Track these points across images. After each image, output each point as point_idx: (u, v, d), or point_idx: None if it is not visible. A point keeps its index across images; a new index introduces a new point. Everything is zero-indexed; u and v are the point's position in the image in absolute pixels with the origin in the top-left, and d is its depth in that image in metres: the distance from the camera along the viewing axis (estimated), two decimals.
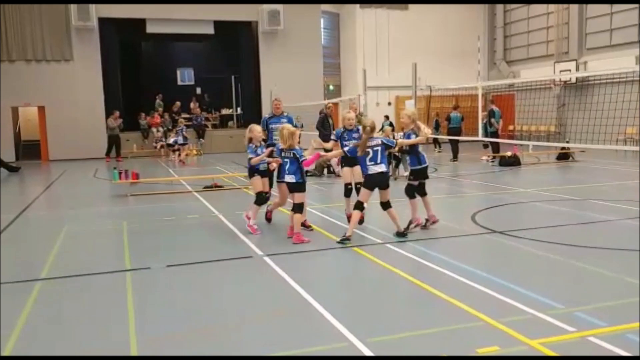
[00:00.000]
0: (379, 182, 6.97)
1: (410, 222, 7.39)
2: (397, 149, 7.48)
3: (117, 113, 21.73)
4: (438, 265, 5.88)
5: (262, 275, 5.86)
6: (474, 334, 4.12)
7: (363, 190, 7.05)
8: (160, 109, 24.71)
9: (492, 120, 17.30)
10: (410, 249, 6.61)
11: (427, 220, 7.59)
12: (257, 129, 7.78)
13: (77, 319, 4.77)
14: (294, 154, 7.05)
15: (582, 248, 6.54)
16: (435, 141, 22.64)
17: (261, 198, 7.70)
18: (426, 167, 7.56)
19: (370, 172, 6.95)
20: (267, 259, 6.37)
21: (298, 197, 7.08)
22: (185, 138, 19.72)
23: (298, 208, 7.05)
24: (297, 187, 7.10)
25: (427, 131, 7.41)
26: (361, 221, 7.52)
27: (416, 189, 7.54)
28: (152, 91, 26.09)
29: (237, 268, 6.19)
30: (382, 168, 6.94)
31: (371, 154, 6.92)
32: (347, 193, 7.88)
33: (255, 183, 7.76)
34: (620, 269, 5.67)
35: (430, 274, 5.61)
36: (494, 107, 17.58)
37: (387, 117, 22.21)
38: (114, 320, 4.65)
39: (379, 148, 6.93)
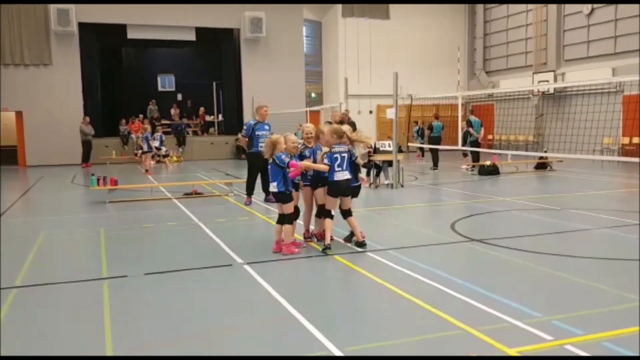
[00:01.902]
0: (344, 188, 6.93)
1: (352, 235, 7.26)
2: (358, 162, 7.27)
3: (87, 118, 21.56)
4: (417, 273, 5.89)
5: (241, 284, 5.81)
6: (452, 342, 4.13)
7: (328, 198, 6.98)
8: (142, 116, 24.54)
9: (471, 129, 17.52)
10: (390, 257, 6.61)
11: (351, 235, 7.34)
12: (291, 139, 7.18)
13: (51, 327, 4.68)
14: (274, 159, 6.82)
15: (560, 257, 6.61)
16: (422, 150, 22.82)
17: (297, 213, 7.21)
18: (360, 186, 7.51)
19: (335, 179, 6.88)
20: (247, 267, 6.33)
21: (285, 208, 6.87)
22: (149, 146, 18.63)
23: (286, 219, 6.86)
24: (279, 196, 6.88)
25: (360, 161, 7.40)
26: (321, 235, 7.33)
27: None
28: (132, 97, 25.99)
29: (217, 276, 6.14)
30: (346, 175, 6.90)
31: (339, 160, 6.87)
32: (320, 213, 7.37)
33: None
34: (597, 277, 5.74)
35: (409, 282, 5.61)
36: (472, 117, 17.82)
37: (416, 123, 22.30)
38: (89, 330, 4.57)
39: (346, 155, 6.90)
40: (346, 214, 7.09)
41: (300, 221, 7.55)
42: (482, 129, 18.07)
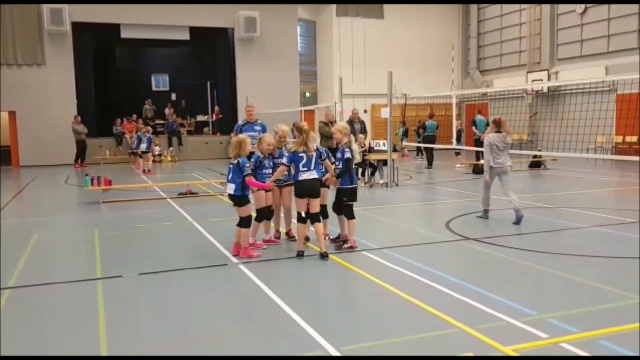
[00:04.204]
0: (309, 188, 6.60)
1: (346, 242, 7.04)
2: (327, 162, 6.84)
3: (79, 117, 21.50)
4: (412, 272, 5.90)
5: (237, 283, 5.80)
6: (448, 341, 4.14)
7: (295, 199, 6.76)
8: (135, 116, 24.44)
9: (474, 128, 17.68)
10: (385, 256, 6.62)
11: (343, 241, 7.15)
12: (266, 141, 7.16)
13: (45, 328, 4.66)
14: (238, 162, 6.55)
15: (554, 255, 6.63)
16: (419, 149, 22.83)
17: (263, 214, 7.20)
18: (356, 188, 7.13)
19: (300, 178, 6.58)
20: (242, 266, 6.32)
21: (240, 211, 6.69)
22: (149, 146, 18.48)
23: (243, 222, 6.66)
24: (234, 199, 6.69)
25: (357, 156, 7.12)
26: (307, 238, 7.18)
27: (352, 210, 7.07)
28: (126, 97, 25.89)
29: (212, 276, 6.12)
30: (314, 175, 6.60)
31: (305, 160, 6.58)
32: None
33: (259, 196, 7.18)
34: (592, 275, 5.77)
35: (404, 281, 5.62)
36: (478, 117, 17.98)
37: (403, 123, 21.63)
38: (84, 330, 4.55)
39: (314, 154, 6.62)
40: (313, 218, 6.72)
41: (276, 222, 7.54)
42: (488, 128, 18.08)
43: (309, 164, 6.60)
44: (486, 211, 9.07)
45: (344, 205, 7.06)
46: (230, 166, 6.64)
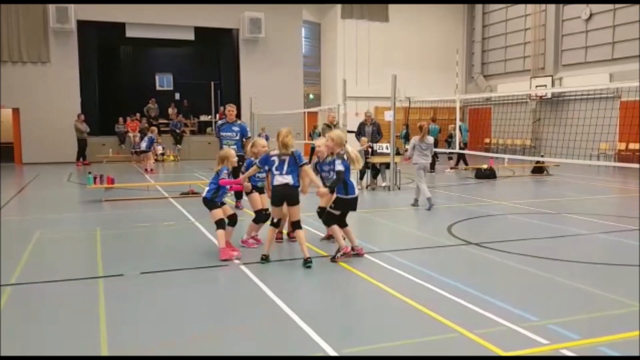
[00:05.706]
0: (283, 194, 6.40)
1: (339, 250, 6.71)
2: (305, 168, 6.67)
3: (82, 116, 21.54)
4: (414, 276, 5.89)
5: (238, 284, 5.80)
6: (448, 345, 4.13)
7: (271, 207, 6.72)
8: (139, 115, 24.47)
9: (459, 133, 17.90)
10: (386, 260, 6.61)
11: (352, 248, 6.78)
12: (260, 144, 7.28)
13: (46, 326, 4.66)
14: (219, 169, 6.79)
15: (556, 261, 6.62)
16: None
17: (261, 216, 7.27)
18: (355, 199, 6.79)
19: (274, 183, 6.43)
20: (243, 267, 6.32)
21: (211, 214, 6.81)
22: (149, 146, 18.47)
23: (216, 225, 6.74)
24: (206, 202, 6.86)
25: (358, 165, 6.83)
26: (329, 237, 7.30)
27: (336, 219, 6.78)
28: (130, 96, 25.93)
29: (213, 276, 6.13)
30: (287, 179, 6.35)
31: (277, 163, 6.41)
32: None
33: (253, 199, 7.34)
34: (593, 282, 5.76)
35: (405, 285, 5.61)
36: (459, 123, 18.33)
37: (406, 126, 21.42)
38: (85, 329, 4.56)
39: (287, 158, 6.40)
40: (294, 226, 6.58)
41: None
42: (467, 133, 18.78)
43: (281, 168, 6.40)
44: (416, 200, 10.83)
45: (327, 211, 6.81)
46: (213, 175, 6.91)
